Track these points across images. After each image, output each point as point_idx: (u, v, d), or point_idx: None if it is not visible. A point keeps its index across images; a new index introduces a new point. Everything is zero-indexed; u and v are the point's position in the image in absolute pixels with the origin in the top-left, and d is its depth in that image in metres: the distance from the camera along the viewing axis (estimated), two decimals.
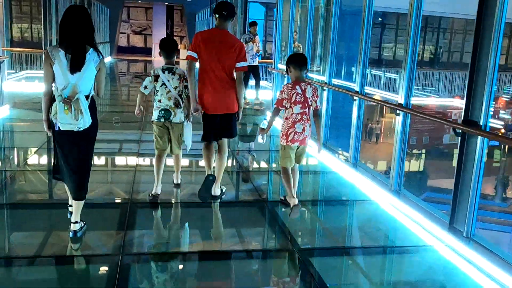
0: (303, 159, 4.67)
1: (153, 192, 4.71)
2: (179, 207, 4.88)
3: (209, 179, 4.64)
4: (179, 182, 5.11)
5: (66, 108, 3.41)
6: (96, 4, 21.70)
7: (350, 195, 5.45)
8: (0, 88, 8.88)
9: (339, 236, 4.46)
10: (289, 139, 4.44)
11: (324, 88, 6.95)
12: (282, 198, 4.76)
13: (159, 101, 4.58)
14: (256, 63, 10.66)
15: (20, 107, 9.63)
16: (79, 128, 3.51)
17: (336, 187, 5.72)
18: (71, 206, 3.87)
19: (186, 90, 4.59)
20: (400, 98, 4.90)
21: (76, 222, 3.77)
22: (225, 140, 4.74)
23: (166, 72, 4.55)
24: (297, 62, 4.45)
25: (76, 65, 3.47)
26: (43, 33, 11.78)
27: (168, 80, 4.53)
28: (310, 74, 7.44)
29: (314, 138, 4.84)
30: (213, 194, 4.80)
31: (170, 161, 5.06)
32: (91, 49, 3.54)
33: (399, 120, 4.95)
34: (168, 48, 4.62)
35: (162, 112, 4.57)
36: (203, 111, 4.55)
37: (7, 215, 4.55)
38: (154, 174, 4.71)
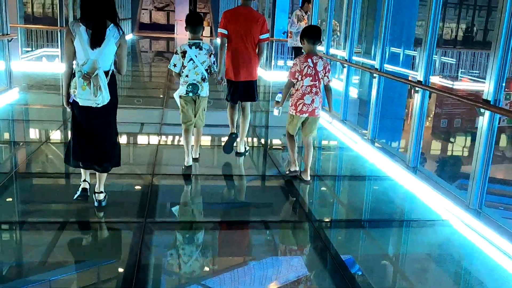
0: (315, 130, 4.76)
1: (185, 164, 4.89)
2: (198, 180, 5.01)
3: (233, 137, 5.27)
4: (197, 156, 5.19)
5: (85, 83, 3.44)
6: None
7: (369, 171, 5.53)
8: (8, 69, 8.13)
9: (356, 209, 4.57)
10: (297, 110, 4.58)
11: (375, 74, 6.02)
12: (287, 171, 4.93)
13: (187, 76, 4.68)
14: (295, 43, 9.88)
15: (31, 90, 9.24)
16: (98, 104, 3.53)
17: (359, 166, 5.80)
18: (84, 181, 3.95)
19: (214, 65, 4.77)
20: (419, 76, 4.92)
21: (101, 192, 3.87)
22: (248, 103, 5.35)
23: (193, 47, 4.64)
24: (311, 35, 4.54)
25: (96, 41, 3.47)
26: (58, 9, 11.85)
27: (196, 56, 4.63)
28: (354, 58, 7.06)
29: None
30: (238, 151, 5.45)
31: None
32: (112, 24, 3.54)
33: (417, 97, 4.97)
34: (195, 23, 4.68)
35: (190, 86, 4.69)
36: (228, 79, 5.18)
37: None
38: (184, 147, 4.91)
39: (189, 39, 4.72)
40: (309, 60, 4.50)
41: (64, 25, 11.76)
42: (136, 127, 7.05)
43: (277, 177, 5.12)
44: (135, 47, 21.93)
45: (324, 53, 8.02)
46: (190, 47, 4.63)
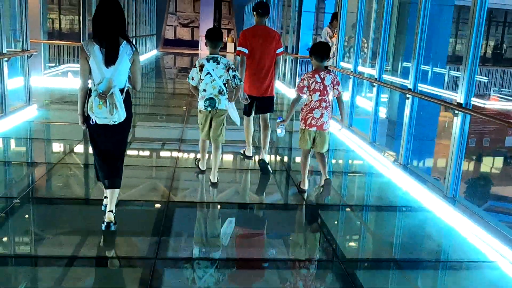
0: (326, 145, 4.74)
1: (200, 167, 5.19)
2: (216, 208, 4.69)
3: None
4: (215, 181, 4.93)
5: (101, 102, 3.45)
6: None
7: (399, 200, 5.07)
8: (27, 85, 7.95)
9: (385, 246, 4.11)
10: (307, 123, 4.64)
11: (408, 95, 5.53)
12: (298, 184, 5.01)
13: (204, 90, 4.71)
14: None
15: (51, 107, 9.08)
16: (114, 122, 3.55)
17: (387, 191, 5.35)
18: (106, 197, 3.87)
19: (235, 79, 4.72)
20: (459, 97, 4.47)
21: (111, 211, 3.73)
22: (267, 115, 5.62)
23: (211, 61, 4.67)
24: (318, 53, 4.61)
25: (110, 59, 3.49)
26: (81, 25, 11.74)
27: (213, 69, 4.65)
28: (385, 76, 6.73)
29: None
30: (262, 158, 5.53)
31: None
32: (124, 41, 3.56)
33: (457, 121, 4.51)
34: (214, 38, 4.74)
35: (208, 101, 4.71)
36: (250, 94, 5.41)
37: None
38: (200, 152, 5.09)
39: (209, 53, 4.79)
40: (316, 75, 4.57)
41: (84, 39, 11.65)
42: (157, 144, 7.03)
43: (301, 205, 4.77)
44: (159, 63, 21.93)
45: (352, 71, 7.61)
46: (208, 61, 4.68)
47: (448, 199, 4.54)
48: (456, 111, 4.49)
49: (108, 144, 3.73)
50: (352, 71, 7.61)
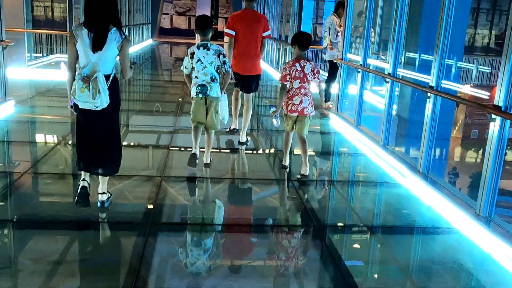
0: (306, 127, 4.98)
1: (192, 151, 4.95)
2: (208, 183, 4.97)
3: (235, 131, 6.26)
4: (208, 161, 5.17)
5: (84, 86, 3.44)
6: None
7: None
8: (3, 79, 7.14)
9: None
10: (288, 109, 4.91)
11: (430, 94, 4.80)
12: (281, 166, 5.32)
13: (196, 77, 4.79)
14: (337, 56, 8.35)
15: (31, 103, 8.28)
16: (97, 107, 3.52)
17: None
18: (83, 180, 3.79)
19: (225, 65, 4.80)
20: (497, 99, 3.77)
21: (104, 193, 3.91)
22: (251, 95, 6.01)
23: (201, 48, 4.75)
24: (302, 42, 4.87)
25: (97, 44, 3.49)
26: (67, 13, 10.96)
27: (204, 56, 4.72)
28: (400, 72, 6.18)
29: None
30: (240, 140, 6.13)
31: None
32: (114, 28, 3.55)
33: (494, 126, 3.82)
34: (203, 25, 4.81)
35: (199, 87, 4.77)
36: (236, 72, 5.75)
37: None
38: (192, 140, 5.00)
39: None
40: (297, 64, 4.84)
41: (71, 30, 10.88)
42: (151, 133, 6.94)
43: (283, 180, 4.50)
44: (154, 53, 21.11)
45: (360, 64, 6.89)
46: (198, 48, 4.76)
47: (480, 218, 3.86)
48: (494, 116, 3.78)
49: (93, 130, 3.71)
50: (360, 64, 6.88)
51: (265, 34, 5.86)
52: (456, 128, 9.30)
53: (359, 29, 8.67)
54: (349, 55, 7.91)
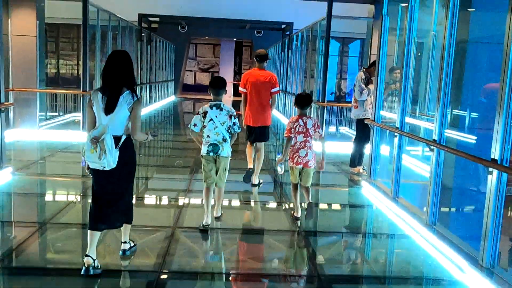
0: (310, 178, 5.30)
1: (203, 223, 4.91)
2: (219, 236, 5.02)
3: (250, 171, 6.56)
4: (219, 215, 5.27)
5: (92, 147, 3.58)
6: (161, 41, 20.90)
7: None
8: (0, 146, 6.53)
9: None
10: (294, 161, 5.25)
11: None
12: (292, 213, 5.59)
13: (208, 136, 4.88)
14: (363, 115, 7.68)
15: (32, 169, 7.47)
16: (103, 168, 3.63)
17: None
18: (87, 256, 3.73)
19: (235, 126, 4.91)
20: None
21: (126, 242, 4.14)
22: (262, 144, 6.67)
23: (214, 108, 4.86)
24: (300, 103, 5.29)
25: (109, 107, 3.67)
26: (81, 73, 10.52)
27: (216, 116, 4.83)
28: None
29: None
30: (253, 182, 6.69)
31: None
32: (127, 91, 3.72)
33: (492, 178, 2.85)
34: (216, 85, 4.91)
35: (211, 146, 4.87)
36: (248, 124, 6.56)
37: None
38: (204, 206, 4.98)
39: (211, 100, 4.94)
40: (300, 120, 5.25)
41: (87, 89, 10.38)
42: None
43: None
44: (177, 109, 20.71)
45: (397, 127, 5.97)
46: (211, 108, 4.85)
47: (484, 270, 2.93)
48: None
49: (106, 190, 3.82)
50: (397, 127, 5.97)
51: (274, 90, 6.55)
52: None
53: (390, 86, 7.85)
54: (383, 113, 7.07)
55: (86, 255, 3.71)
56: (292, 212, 5.54)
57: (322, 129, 9.94)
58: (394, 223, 5.46)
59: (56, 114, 12.77)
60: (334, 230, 5.47)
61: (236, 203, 6.35)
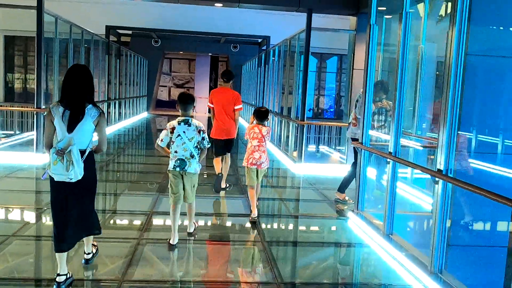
0: (261, 177, 6.07)
1: (170, 242, 4.89)
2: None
3: (219, 176, 7.28)
4: (191, 231, 5.25)
5: (58, 159, 3.60)
6: (132, 55, 19.91)
7: None
8: None
9: None
10: (249, 162, 5.98)
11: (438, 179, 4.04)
12: (250, 218, 5.96)
13: (175, 151, 4.85)
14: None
15: None
16: (71, 179, 3.65)
17: None
18: (59, 275, 3.78)
19: (204, 141, 4.89)
20: None
21: (89, 253, 4.22)
22: (228, 154, 7.40)
23: (182, 123, 4.82)
24: (259, 116, 6.08)
25: (74, 122, 3.70)
26: (35, 88, 9.42)
27: (184, 132, 4.80)
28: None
29: None
30: (221, 186, 7.34)
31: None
32: (90, 105, 3.78)
33: None
34: (185, 101, 4.88)
35: (178, 161, 4.84)
36: (214, 138, 7.17)
37: None
38: (171, 224, 4.93)
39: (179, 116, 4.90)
40: (255, 128, 6.03)
41: (41, 106, 9.33)
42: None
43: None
44: (149, 126, 19.67)
45: (390, 153, 5.15)
46: (179, 124, 4.82)
47: None
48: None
49: (68, 203, 3.77)
50: (390, 153, 5.15)
51: (236, 107, 7.15)
52: None
53: (377, 104, 7.02)
54: (372, 132, 6.25)
55: (58, 275, 3.76)
56: (250, 215, 5.96)
57: (299, 149, 9.35)
58: (392, 270, 4.56)
59: (12, 132, 11.67)
60: (315, 280, 4.42)
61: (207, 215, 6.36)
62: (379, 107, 6.78)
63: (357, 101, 6.86)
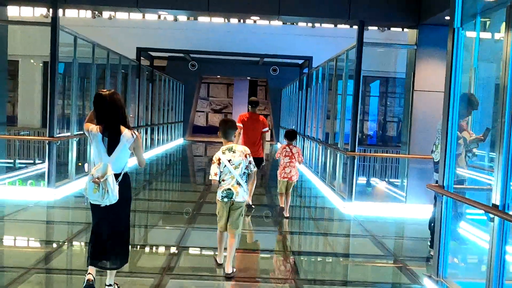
0: (291, 188, 7.45)
1: (218, 261, 5.04)
2: None
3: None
4: (229, 272, 4.80)
5: (95, 187, 3.77)
6: (167, 79, 18.97)
7: None
8: None
9: None
10: (281, 176, 7.39)
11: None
12: (280, 215, 7.47)
13: (223, 180, 4.83)
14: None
15: None
16: (105, 204, 3.83)
17: None
18: (89, 273, 3.97)
19: (251, 165, 4.88)
20: None
21: (110, 285, 4.10)
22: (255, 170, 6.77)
23: (227, 151, 4.83)
24: (288, 137, 7.53)
25: (112, 148, 3.89)
26: (48, 115, 8.22)
27: (229, 160, 4.78)
28: None
29: None
30: (250, 203, 7.86)
31: None
32: (126, 130, 3.94)
33: None
34: (225, 128, 4.93)
35: (225, 191, 4.81)
36: None
37: None
38: (217, 244, 5.04)
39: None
40: (287, 147, 7.39)
41: (54, 134, 8.24)
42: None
43: None
44: (184, 153, 18.52)
45: (496, 206, 3.60)
46: (224, 153, 4.81)
47: None
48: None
49: (105, 222, 3.97)
50: (495, 206, 3.59)
51: (264, 130, 7.92)
52: None
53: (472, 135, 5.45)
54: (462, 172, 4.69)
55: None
56: (281, 213, 7.52)
57: (349, 184, 8.03)
58: None
59: (25, 163, 10.65)
60: None
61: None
62: (474, 140, 5.25)
63: (438, 130, 5.32)
